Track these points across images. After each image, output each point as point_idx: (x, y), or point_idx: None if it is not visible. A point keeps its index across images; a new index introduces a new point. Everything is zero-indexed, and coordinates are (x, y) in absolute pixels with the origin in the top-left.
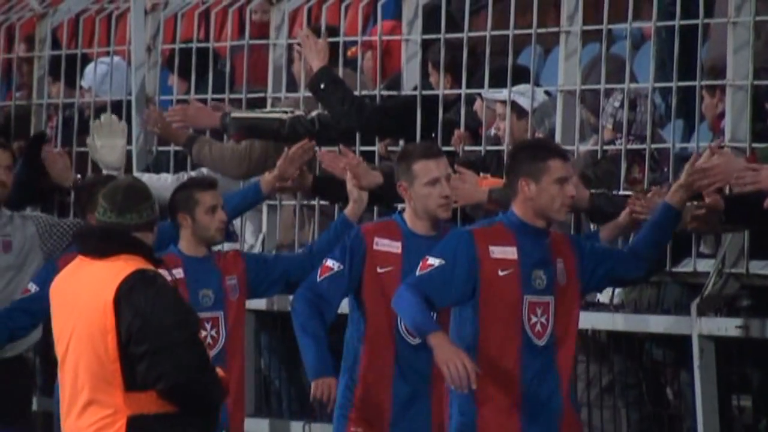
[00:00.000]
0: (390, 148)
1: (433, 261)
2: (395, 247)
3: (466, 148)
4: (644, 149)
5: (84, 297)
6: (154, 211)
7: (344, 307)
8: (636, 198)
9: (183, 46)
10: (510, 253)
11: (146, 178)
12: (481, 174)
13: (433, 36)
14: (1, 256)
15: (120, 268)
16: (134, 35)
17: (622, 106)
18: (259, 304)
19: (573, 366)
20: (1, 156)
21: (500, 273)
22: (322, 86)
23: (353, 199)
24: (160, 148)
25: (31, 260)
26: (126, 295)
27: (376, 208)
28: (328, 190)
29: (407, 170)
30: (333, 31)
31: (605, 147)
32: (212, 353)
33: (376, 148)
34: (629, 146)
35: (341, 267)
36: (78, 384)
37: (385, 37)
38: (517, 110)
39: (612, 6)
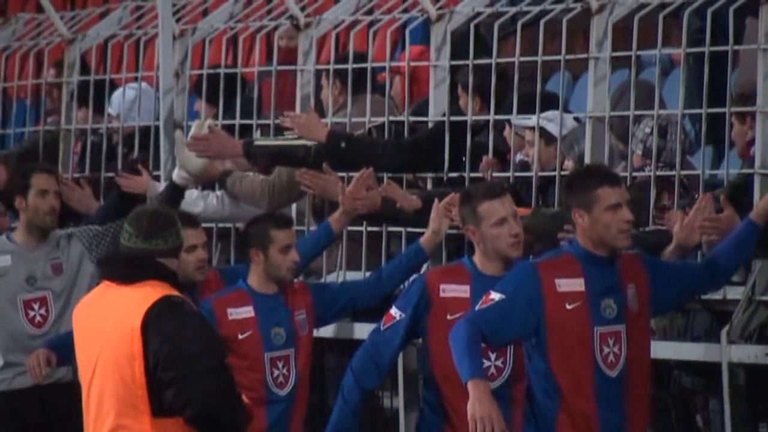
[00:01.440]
0: (418, 174)
1: (495, 296)
2: (463, 291)
3: (495, 174)
4: (673, 176)
5: (110, 323)
6: (179, 237)
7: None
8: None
9: (211, 71)
10: (577, 285)
11: None
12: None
13: (462, 62)
14: (53, 279)
15: (147, 294)
16: (162, 61)
17: (652, 132)
18: None
19: (648, 397)
20: (49, 181)
21: (568, 306)
22: (343, 145)
23: (432, 229)
24: None
25: (83, 275)
26: (153, 321)
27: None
28: (377, 213)
29: (473, 213)
30: (361, 56)
31: (634, 173)
32: (284, 392)
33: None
34: (658, 173)
35: (402, 316)
36: (104, 410)
37: (413, 63)
38: (546, 136)
39: (641, 32)
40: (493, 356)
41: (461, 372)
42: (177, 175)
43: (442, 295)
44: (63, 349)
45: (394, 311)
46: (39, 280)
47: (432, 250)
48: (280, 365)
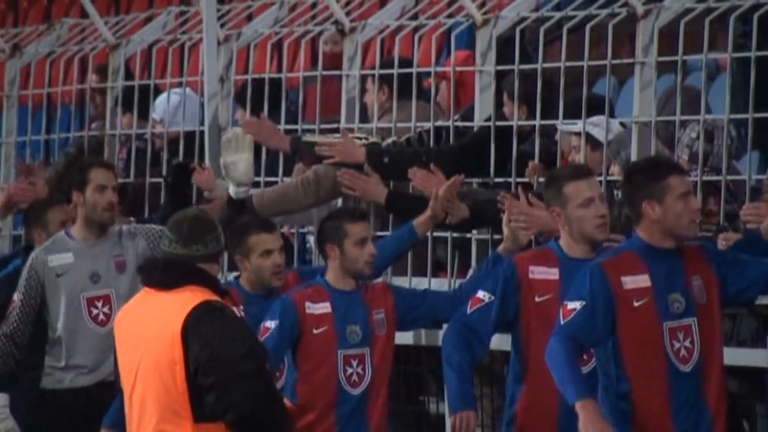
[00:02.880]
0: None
1: (573, 305)
2: (552, 273)
3: (541, 179)
4: (720, 181)
5: (151, 329)
6: (219, 243)
7: None
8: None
9: (256, 77)
10: (642, 281)
11: None
12: None
13: (507, 67)
14: (117, 277)
15: (186, 299)
16: (207, 66)
17: (698, 137)
18: None
19: (724, 395)
20: (108, 177)
21: (635, 304)
22: (386, 160)
23: (506, 235)
24: None
25: None
26: (193, 326)
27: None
28: (402, 208)
29: (558, 194)
30: (406, 61)
31: None
32: (358, 391)
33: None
34: (705, 178)
35: (492, 298)
36: (146, 416)
37: (458, 68)
38: (592, 141)
39: (687, 37)
40: None
41: (567, 395)
42: (234, 191)
43: (531, 276)
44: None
45: (481, 294)
46: (103, 277)
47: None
48: (354, 363)
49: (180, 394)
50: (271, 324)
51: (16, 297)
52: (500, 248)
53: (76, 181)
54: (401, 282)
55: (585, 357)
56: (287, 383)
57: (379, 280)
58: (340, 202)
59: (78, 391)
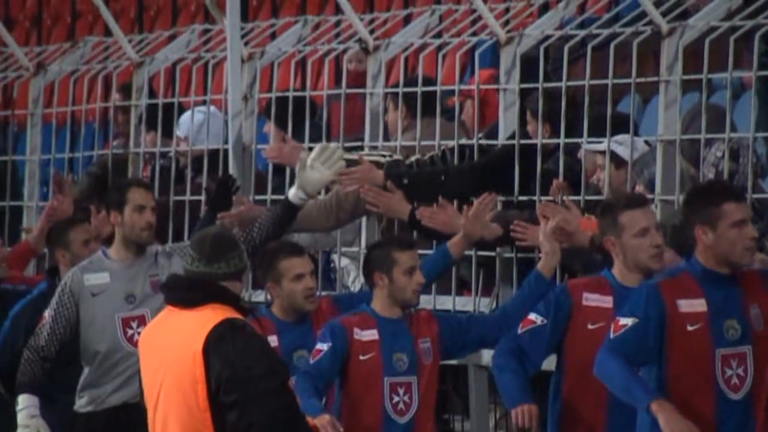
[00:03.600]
0: None
1: (626, 321)
2: (606, 302)
3: (566, 198)
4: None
5: (173, 347)
6: (242, 260)
7: None
8: None
9: (280, 95)
10: (698, 305)
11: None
12: (585, 215)
13: (531, 85)
14: (153, 297)
15: (208, 317)
16: (231, 84)
17: (724, 156)
18: None
19: None
20: (146, 197)
21: (689, 328)
22: (405, 181)
23: (545, 251)
24: (257, 198)
25: None
26: (214, 344)
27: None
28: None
29: (613, 223)
30: (429, 80)
31: None
32: (404, 419)
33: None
34: None
35: (544, 321)
36: None
37: (482, 86)
38: (616, 160)
39: (712, 55)
40: None
41: (637, 400)
42: (294, 194)
43: (584, 303)
44: None
45: (533, 316)
46: (138, 298)
47: (551, 273)
48: (400, 392)
49: (202, 412)
50: (323, 346)
51: (47, 314)
52: (540, 265)
53: (115, 201)
54: (425, 301)
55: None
56: (333, 410)
57: (423, 308)
58: (364, 221)
59: (110, 411)
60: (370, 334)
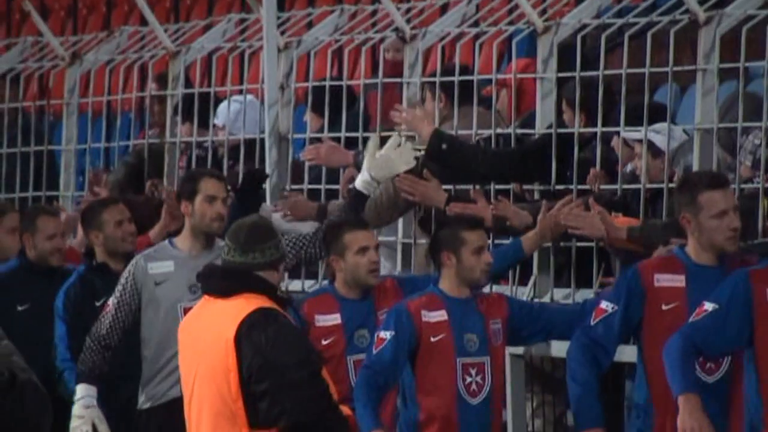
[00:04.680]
0: (525, 187)
1: (708, 306)
2: (678, 281)
3: (602, 186)
4: None
5: (207, 336)
6: (278, 250)
7: None
8: None
9: (316, 84)
10: None
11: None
12: (613, 213)
13: (568, 74)
14: None
15: (241, 306)
16: (267, 73)
17: (761, 144)
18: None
19: None
20: (218, 187)
21: None
22: (444, 147)
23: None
24: (293, 187)
25: None
26: (246, 333)
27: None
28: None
29: (692, 202)
30: (466, 69)
31: (743, 185)
32: (476, 401)
33: (510, 186)
34: (767, 184)
35: (615, 308)
36: (203, 423)
37: (519, 75)
38: (653, 149)
39: (749, 43)
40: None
41: (673, 386)
42: (361, 182)
43: (656, 284)
44: None
45: (604, 304)
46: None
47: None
48: (473, 372)
49: (234, 401)
50: (386, 334)
51: (111, 302)
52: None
53: (186, 190)
54: None
55: (713, 366)
56: (407, 394)
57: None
58: (400, 222)
59: (171, 402)
60: (439, 315)
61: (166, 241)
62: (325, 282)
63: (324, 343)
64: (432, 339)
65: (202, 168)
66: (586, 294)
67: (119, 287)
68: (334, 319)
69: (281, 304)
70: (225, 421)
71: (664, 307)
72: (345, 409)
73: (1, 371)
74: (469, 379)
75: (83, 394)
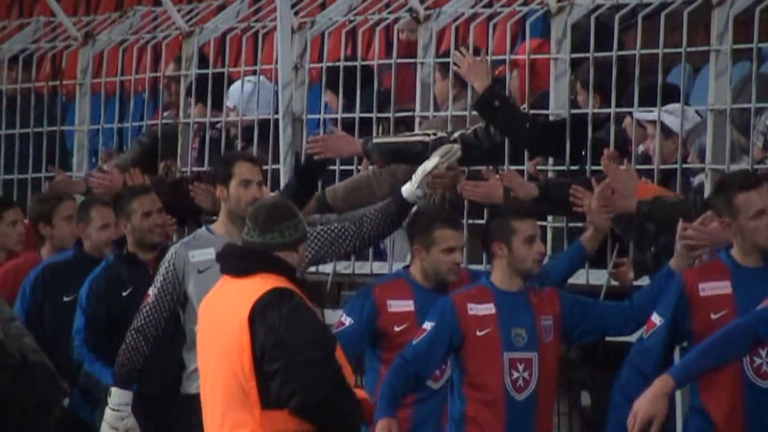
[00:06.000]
0: (539, 167)
1: None
2: (724, 287)
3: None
4: None
5: (223, 316)
6: (297, 231)
7: None
8: None
9: (330, 65)
10: None
11: None
12: (643, 178)
13: (582, 55)
14: None
15: (257, 286)
16: (281, 54)
17: None
18: None
19: None
20: (252, 171)
21: None
22: (496, 103)
23: (677, 251)
24: None
25: None
26: (260, 312)
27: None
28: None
29: (728, 205)
30: (479, 50)
31: (755, 166)
32: (522, 397)
33: (525, 167)
34: None
35: (662, 321)
36: (218, 402)
37: (533, 56)
38: (665, 130)
39: (762, 24)
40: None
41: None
42: (410, 191)
43: (701, 294)
44: None
45: (654, 317)
46: None
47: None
48: (520, 368)
49: (248, 380)
50: (427, 325)
51: (151, 292)
52: (672, 263)
53: (221, 174)
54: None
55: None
56: (455, 386)
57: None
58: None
59: None
60: (486, 308)
61: (204, 228)
62: (399, 266)
63: (396, 329)
64: (478, 333)
65: (236, 151)
66: (599, 275)
67: (159, 278)
68: (408, 305)
69: (299, 285)
70: (239, 401)
71: (713, 317)
72: (359, 392)
73: (12, 353)
74: (516, 374)
75: (118, 402)
